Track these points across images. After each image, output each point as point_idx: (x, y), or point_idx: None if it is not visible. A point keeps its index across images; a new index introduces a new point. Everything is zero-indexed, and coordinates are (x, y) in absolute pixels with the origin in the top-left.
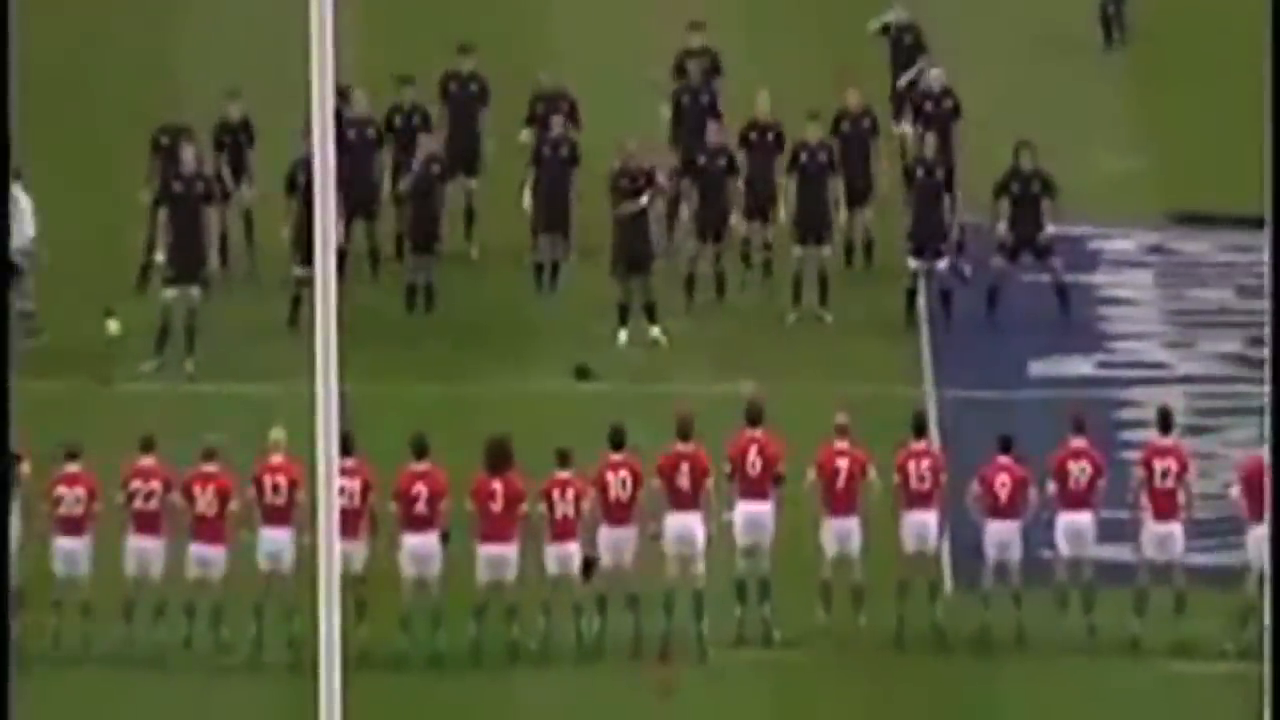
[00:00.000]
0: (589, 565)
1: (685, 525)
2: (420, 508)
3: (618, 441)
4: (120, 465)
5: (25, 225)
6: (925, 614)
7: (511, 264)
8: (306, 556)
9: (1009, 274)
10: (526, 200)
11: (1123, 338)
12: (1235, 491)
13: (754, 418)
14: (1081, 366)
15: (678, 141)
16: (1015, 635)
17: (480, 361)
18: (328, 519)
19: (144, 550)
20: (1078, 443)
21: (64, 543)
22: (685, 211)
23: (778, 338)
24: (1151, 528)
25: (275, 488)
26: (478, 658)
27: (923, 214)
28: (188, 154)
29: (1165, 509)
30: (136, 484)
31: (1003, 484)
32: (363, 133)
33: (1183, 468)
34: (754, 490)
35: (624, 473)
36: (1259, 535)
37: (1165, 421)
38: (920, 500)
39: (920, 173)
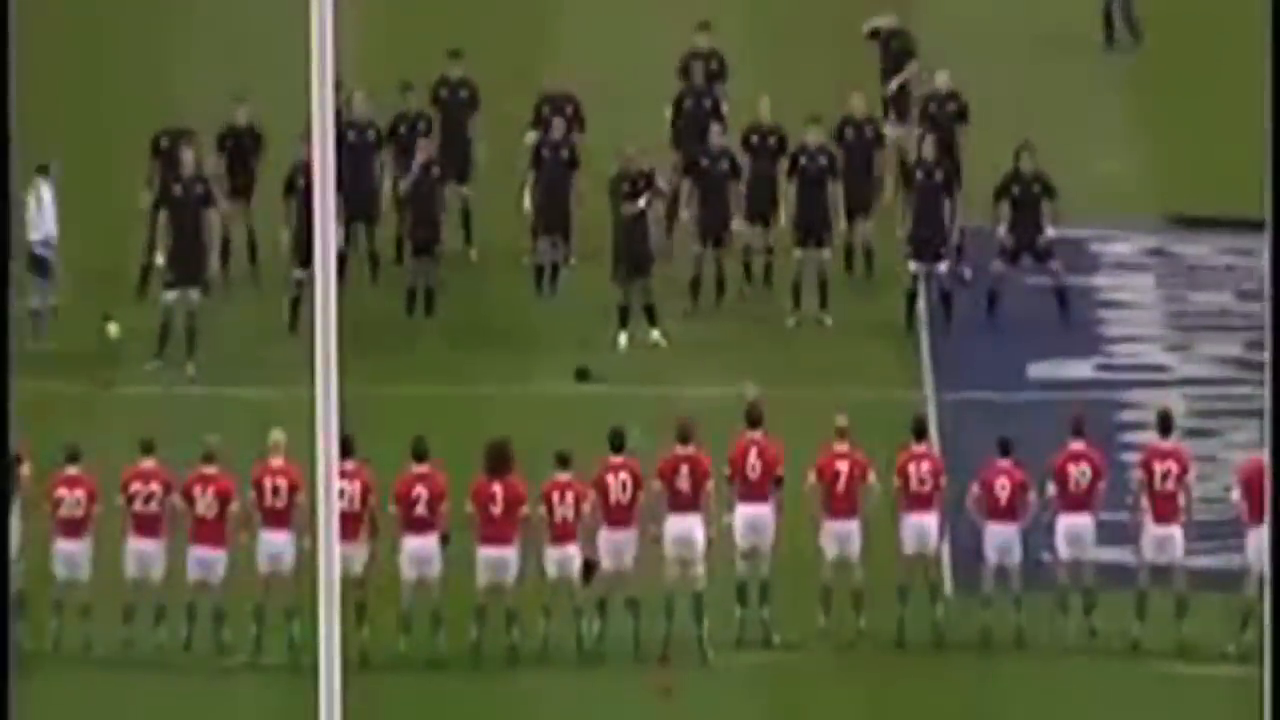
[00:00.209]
0: (589, 568)
1: (685, 528)
2: (420, 510)
3: (618, 444)
4: (121, 468)
5: (49, 220)
6: (925, 617)
7: (511, 266)
8: (306, 559)
9: (1009, 277)
10: (526, 203)
11: (1123, 340)
12: (1235, 494)
13: (754, 420)
14: (1081, 369)
15: (679, 144)
16: (1015, 638)
17: (480, 364)
18: (328, 521)
19: (144, 552)
20: (1078, 445)
21: (64, 545)
22: (686, 214)
23: (778, 340)
24: (1152, 530)
25: (275, 490)
26: (477, 660)
27: (923, 217)
28: (187, 157)
29: (1165, 511)
30: (137, 486)
31: (1003, 486)
32: (362, 135)
33: (1183, 470)
34: (754, 493)
35: (624, 475)
36: (1259, 538)
37: (1165, 424)
38: (920, 503)
39: (920, 175)
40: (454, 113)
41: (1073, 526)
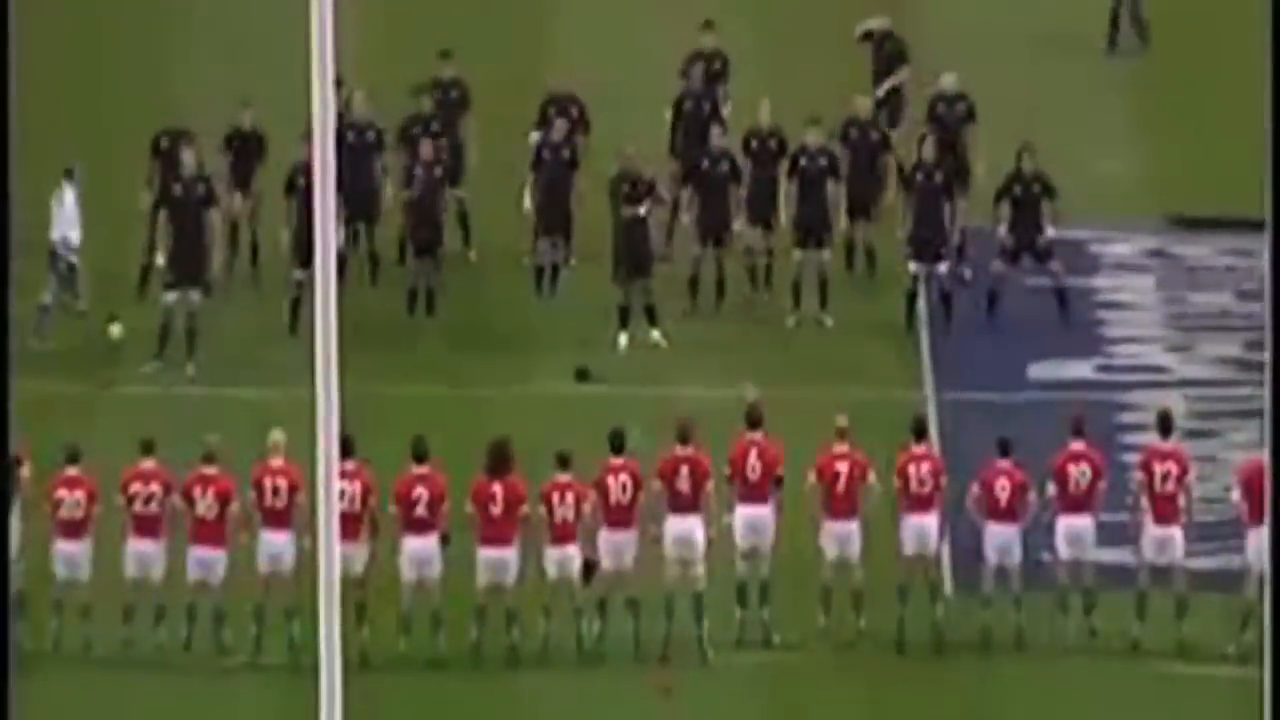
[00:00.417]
0: (589, 568)
1: (685, 528)
2: (420, 510)
3: (618, 444)
4: (121, 468)
5: (71, 223)
6: (925, 617)
7: (511, 267)
8: (306, 559)
9: (1009, 277)
10: (527, 203)
11: (1123, 341)
12: (1235, 495)
13: (754, 421)
14: (1082, 370)
15: (679, 150)
16: (1015, 638)
17: (480, 364)
18: (328, 522)
19: (144, 553)
20: (1078, 446)
21: (64, 546)
22: (686, 216)
23: (778, 341)
24: (1152, 531)
25: (275, 490)
26: (477, 660)
27: (923, 217)
28: (188, 157)
29: (1165, 512)
30: (137, 487)
31: (1003, 487)
32: (362, 136)
33: (1183, 471)
34: (754, 493)
35: (624, 476)
36: (1259, 538)
37: (1165, 425)
38: (920, 503)
39: (920, 176)
40: (446, 113)
41: (1073, 527)
